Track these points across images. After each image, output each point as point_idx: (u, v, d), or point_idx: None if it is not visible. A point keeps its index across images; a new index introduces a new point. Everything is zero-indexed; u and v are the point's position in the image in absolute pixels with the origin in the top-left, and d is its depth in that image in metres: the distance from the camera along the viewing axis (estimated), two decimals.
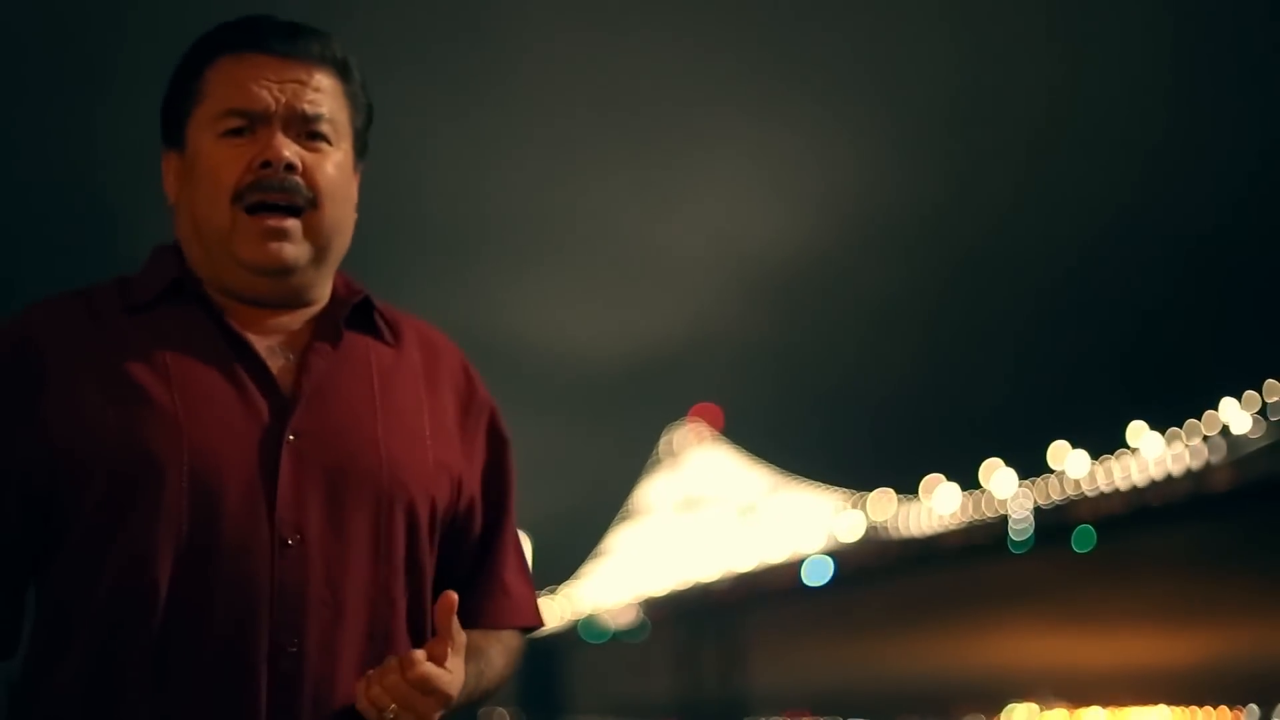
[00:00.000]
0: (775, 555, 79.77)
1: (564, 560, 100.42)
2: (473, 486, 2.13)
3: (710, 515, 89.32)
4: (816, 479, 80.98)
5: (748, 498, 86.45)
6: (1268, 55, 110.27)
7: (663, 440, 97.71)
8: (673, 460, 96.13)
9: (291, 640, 1.91)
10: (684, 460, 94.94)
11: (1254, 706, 53.66)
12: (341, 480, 1.96)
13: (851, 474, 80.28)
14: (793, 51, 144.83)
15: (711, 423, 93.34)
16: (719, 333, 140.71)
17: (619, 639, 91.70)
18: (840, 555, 75.23)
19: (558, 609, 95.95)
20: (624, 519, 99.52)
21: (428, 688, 1.87)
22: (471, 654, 2.02)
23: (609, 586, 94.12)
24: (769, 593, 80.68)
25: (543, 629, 2.23)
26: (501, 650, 2.14)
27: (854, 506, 76.05)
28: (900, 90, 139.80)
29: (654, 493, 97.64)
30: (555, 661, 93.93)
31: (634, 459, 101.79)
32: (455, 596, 1.90)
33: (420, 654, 1.87)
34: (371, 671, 1.90)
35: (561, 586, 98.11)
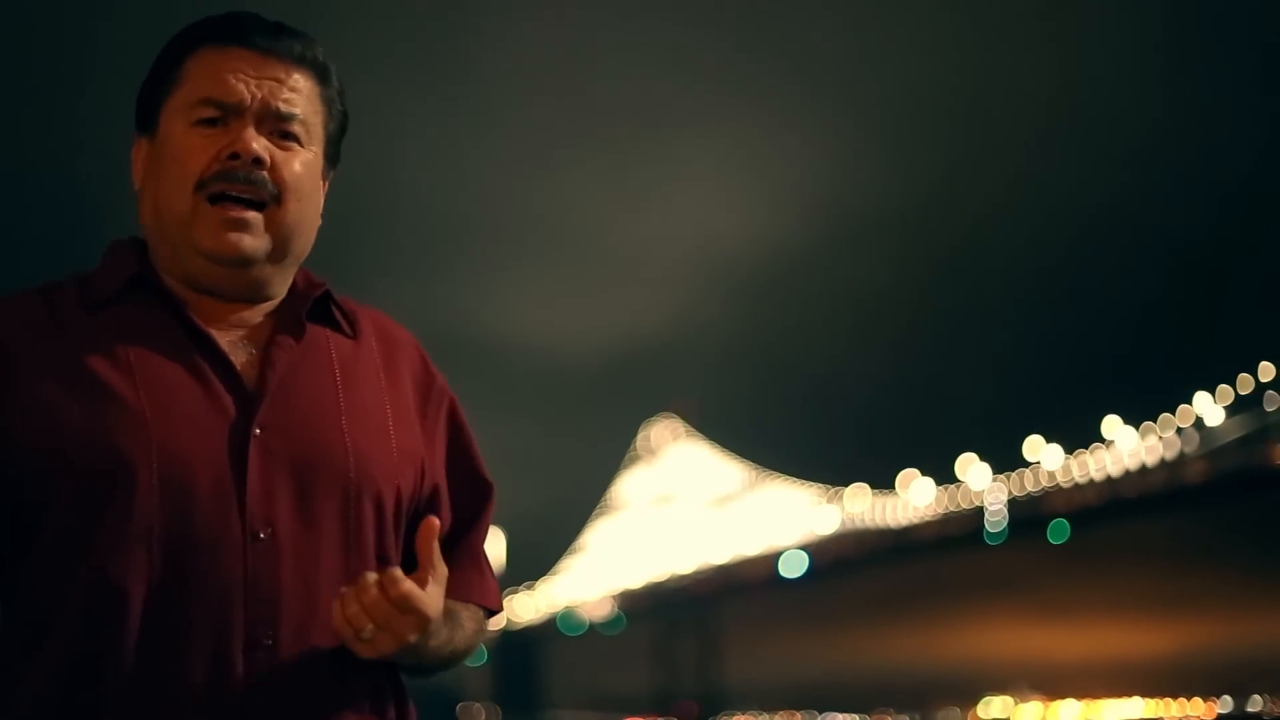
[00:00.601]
0: (751, 549, 79.90)
1: (541, 556, 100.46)
2: (436, 473, 2.14)
3: (687, 510, 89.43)
4: (792, 475, 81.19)
5: (724, 492, 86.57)
6: (1251, 57, 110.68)
7: (640, 436, 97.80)
8: (650, 455, 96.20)
9: (266, 633, 1.90)
10: (661, 455, 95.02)
11: (1228, 698, 53.88)
12: (309, 473, 1.96)
13: (827, 470, 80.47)
14: (773, 47, 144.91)
15: (686, 417, 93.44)
16: (696, 329, 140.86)
17: (596, 632, 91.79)
18: (816, 549, 75.36)
19: (535, 604, 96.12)
20: (601, 514, 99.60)
21: (407, 606, 1.86)
22: (448, 614, 2.03)
23: (586, 580, 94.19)
24: (745, 586, 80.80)
25: (507, 619, 2.15)
26: (471, 617, 2.13)
27: (830, 501, 76.23)
28: (881, 86, 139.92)
29: (631, 488, 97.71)
30: (532, 656, 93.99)
31: (611, 455, 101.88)
32: (437, 522, 1.92)
33: (399, 572, 1.87)
34: (347, 590, 1.89)
35: (539, 582, 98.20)
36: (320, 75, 2.07)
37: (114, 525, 1.88)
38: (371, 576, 1.87)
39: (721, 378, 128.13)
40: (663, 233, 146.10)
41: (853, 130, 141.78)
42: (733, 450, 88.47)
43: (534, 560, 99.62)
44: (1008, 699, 60.75)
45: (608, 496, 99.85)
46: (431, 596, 1.90)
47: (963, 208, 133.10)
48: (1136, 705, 58.50)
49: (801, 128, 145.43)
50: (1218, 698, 54.69)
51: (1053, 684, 61.84)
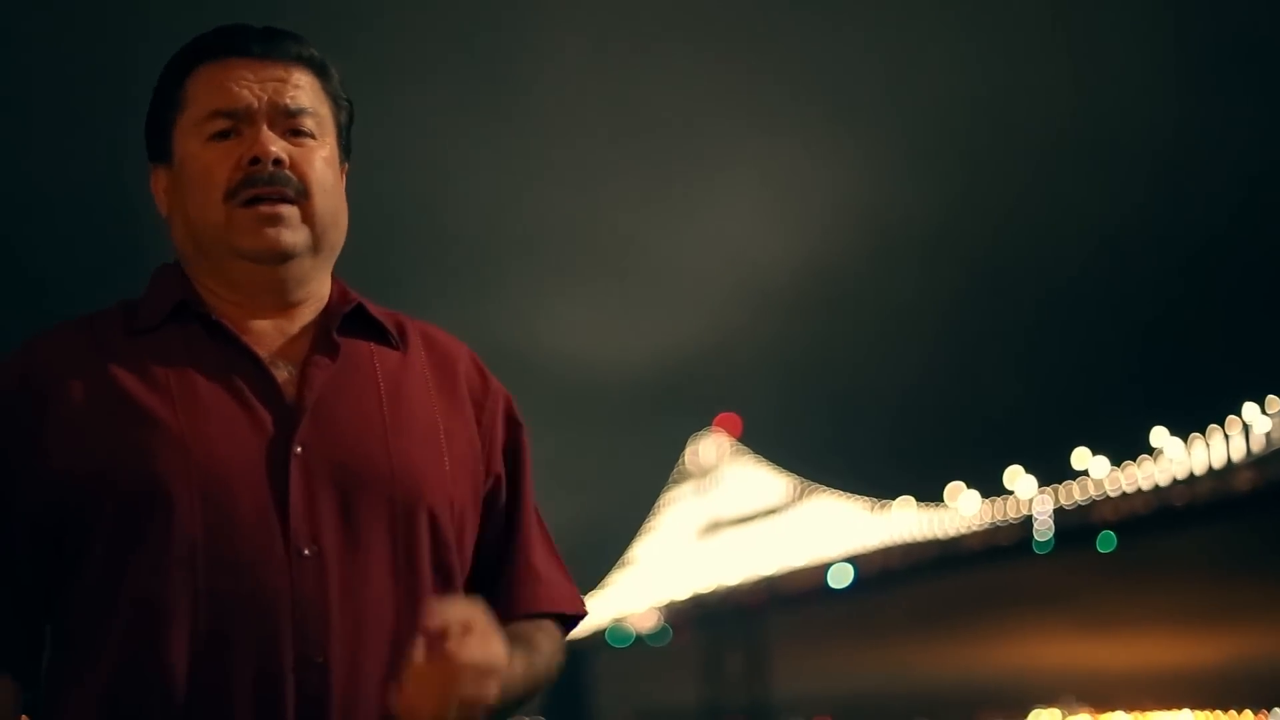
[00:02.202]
0: (798, 561, 79.82)
1: (589, 569, 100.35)
2: (496, 468, 2.12)
3: (734, 522, 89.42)
4: (839, 488, 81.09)
5: (771, 505, 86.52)
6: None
7: (687, 450, 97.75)
8: (697, 469, 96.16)
9: (317, 652, 1.87)
10: (708, 469, 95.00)
11: (1279, 710, 53.44)
12: (353, 489, 1.93)
13: (874, 483, 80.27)
14: (808, 67, 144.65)
15: (731, 431, 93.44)
16: (742, 344, 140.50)
17: (643, 644, 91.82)
18: (862, 561, 75.27)
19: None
20: (649, 527, 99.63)
21: (479, 671, 1.80)
22: (517, 640, 1.98)
23: (634, 593, 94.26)
24: (792, 598, 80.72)
25: (584, 617, 2.19)
26: (547, 638, 2.10)
27: (876, 514, 76.14)
28: (911, 103, 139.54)
29: (679, 501, 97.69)
30: (580, 668, 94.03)
31: (659, 469, 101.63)
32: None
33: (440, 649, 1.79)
34: (406, 694, 1.80)
35: (587, 595, 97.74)
36: (319, 70, 2.07)
37: (155, 548, 1.87)
38: (419, 666, 1.79)
39: (769, 392, 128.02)
40: (706, 251, 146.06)
41: (883, 149, 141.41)
42: (780, 464, 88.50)
43: (582, 573, 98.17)
44: (1056, 711, 60.46)
45: (655, 510, 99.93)
46: (483, 644, 1.82)
47: (1003, 217, 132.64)
48: (1186, 717, 58.11)
49: (833, 150, 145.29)
50: (1269, 709, 54.25)
51: (1101, 696, 61.52)
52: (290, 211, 1.99)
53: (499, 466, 2.13)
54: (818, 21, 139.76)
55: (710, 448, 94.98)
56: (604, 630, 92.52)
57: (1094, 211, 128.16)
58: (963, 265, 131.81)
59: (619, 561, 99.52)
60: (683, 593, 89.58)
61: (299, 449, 1.93)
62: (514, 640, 1.94)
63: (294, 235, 1.99)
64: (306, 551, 1.89)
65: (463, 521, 2.04)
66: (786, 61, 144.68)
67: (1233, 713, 56.41)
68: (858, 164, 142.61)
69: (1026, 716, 60.48)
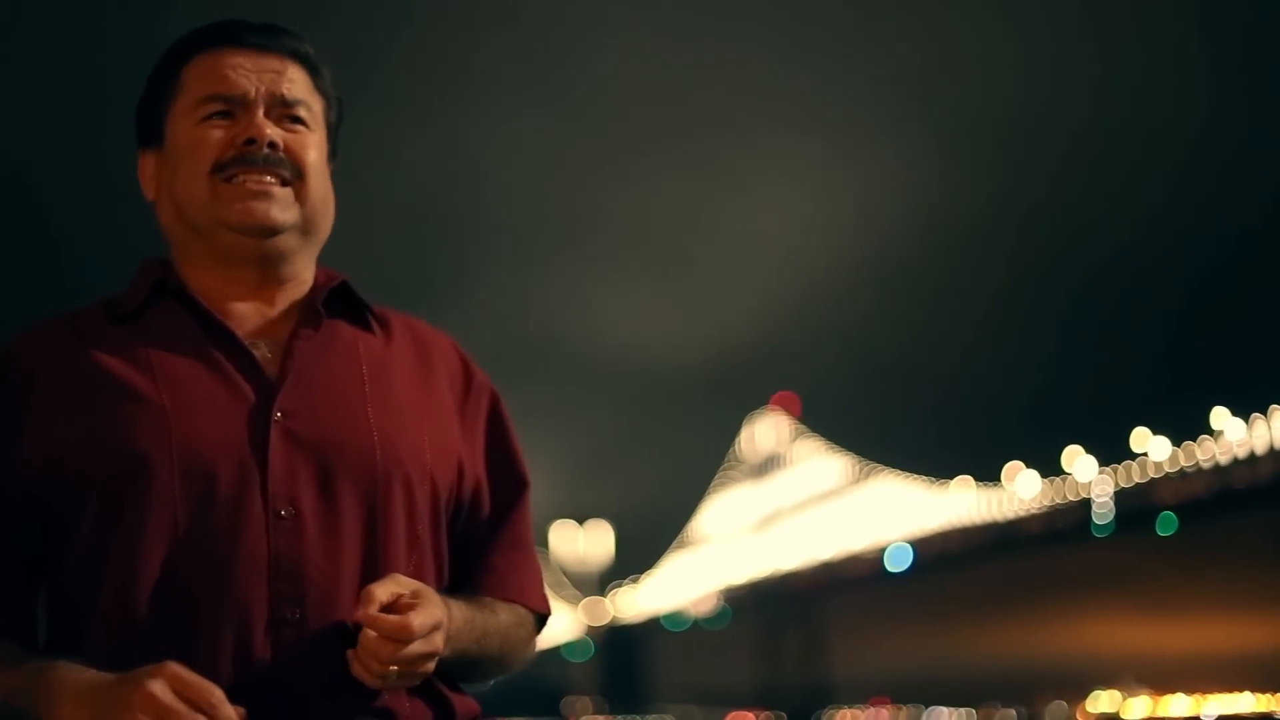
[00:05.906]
0: (856, 543, 79.60)
1: (648, 550, 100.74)
2: (477, 469, 2.16)
3: (791, 503, 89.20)
4: (897, 467, 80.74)
5: (829, 485, 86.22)
6: None
7: (743, 430, 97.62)
8: (754, 450, 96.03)
9: (292, 610, 1.92)
10: (765, 450, 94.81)
11: None
12: (334, 456, 1.98)
13: (932, 463, 79.96)
14: (852, 65, 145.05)
15: (790, 410, 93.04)
16: (795, 328, 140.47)
17: (700, 627, 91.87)
18: (921, 542, 75.00)
19: (640, 598, 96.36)
20: (706, 508, 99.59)
21: (406, 635, 1.87)
22: (474, 604, 2.06)
23: (691, 575, 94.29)
24: (850, 580, 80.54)
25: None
26: (510, 612, 2.14)
27: (935, 494, 75.81)
28: (956, 94, 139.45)
29: (735, 483, 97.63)
30: (637, 650, 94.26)
31: (715, 449, 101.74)
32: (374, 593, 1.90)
33: (372, 613, 1.88)
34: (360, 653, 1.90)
35: (645, 576, 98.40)
36: (312, 68, 2.11)
37: (137, 520, 1.92)
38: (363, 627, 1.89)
39: (824, 375, 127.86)
40: (761, 235, 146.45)
41: (936, 134, 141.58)
42: (837, 443, 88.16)
43: (640, 554, 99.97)
44: (1116, 693, 60.15)
45: (712, 490, 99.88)
46: (421, 609, 1.90)
47: (1064, 200, 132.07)
48: (1246, 699, 57.69)
49: (893, 134, 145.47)
50: None
51: (1161, 678, 61.14)
52: (282, 192, 2.03)
53: (481, 463, 2.17)
54: (863, 17, 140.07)
55: (767, 428, 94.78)
56: (660, 613, 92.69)
57: (1147, 190, 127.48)
58: (1028, 250, 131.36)
59: (676, 542, 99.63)
60: (740, 575, 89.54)
61: (279, 415, 1.98)
62: (470, 604, 2.05)
63: (284, 212, 2.03)
64: (284, 513, 1.94)
65: (440, 502, 2.08)
66: (834, 56, 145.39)
67: None
68: (904, 150, 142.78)
69: (1086, 698, 60.20)
